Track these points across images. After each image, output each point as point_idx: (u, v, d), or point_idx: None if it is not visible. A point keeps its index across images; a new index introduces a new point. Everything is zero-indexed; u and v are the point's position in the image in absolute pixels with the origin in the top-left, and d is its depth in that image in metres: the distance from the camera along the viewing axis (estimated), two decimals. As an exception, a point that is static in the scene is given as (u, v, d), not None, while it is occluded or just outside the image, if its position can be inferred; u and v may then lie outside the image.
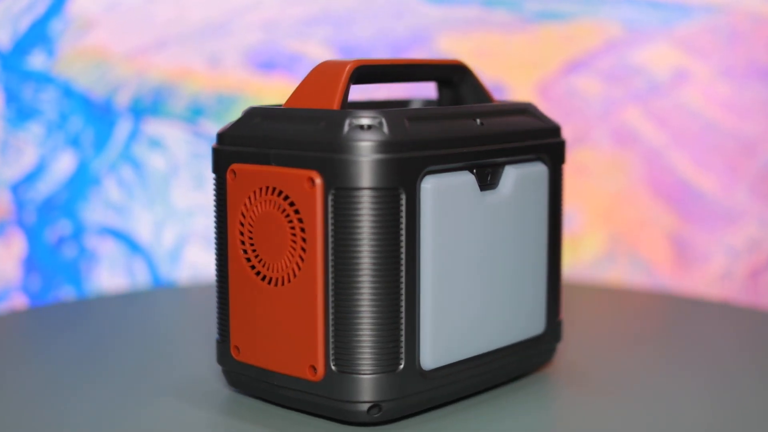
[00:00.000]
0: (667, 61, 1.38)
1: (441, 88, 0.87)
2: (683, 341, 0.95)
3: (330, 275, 0.66)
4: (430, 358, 0.71)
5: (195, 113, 1.36)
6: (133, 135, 1.34)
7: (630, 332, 0.99)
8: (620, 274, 1.40)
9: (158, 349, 0.93)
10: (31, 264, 1.29)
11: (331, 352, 0.67)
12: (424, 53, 1.36)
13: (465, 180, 0.73)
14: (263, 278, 0.74)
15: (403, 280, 0.67)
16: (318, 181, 0.67)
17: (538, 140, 0.81)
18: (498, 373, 0.79)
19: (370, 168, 0.65)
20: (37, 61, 1.29)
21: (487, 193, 0.75)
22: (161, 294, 1.24)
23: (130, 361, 0.90)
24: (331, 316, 0.67)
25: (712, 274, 1.39)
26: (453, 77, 0.84)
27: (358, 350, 0.66)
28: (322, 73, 0.72)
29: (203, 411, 0.76)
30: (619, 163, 1.39)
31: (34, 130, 1.29)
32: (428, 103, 0.91)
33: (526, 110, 0.82)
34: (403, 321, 0.67)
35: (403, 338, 0.67)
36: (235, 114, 1.36)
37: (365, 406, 0.68)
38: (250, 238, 0.74)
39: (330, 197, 0.66)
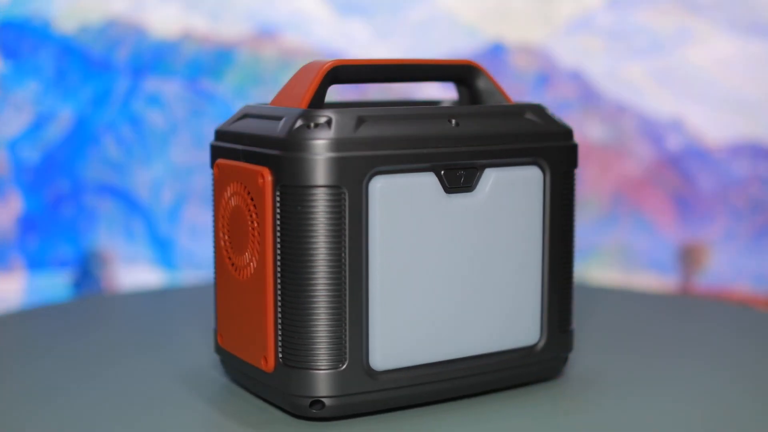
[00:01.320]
0: (670, 19, 1.34)
1: (459, 87, 0.85)
2: (697, 348, 0.92)
3: (278, 271, 0.68)
4: (381, 359, 0.71)
5: (195, 71, 1.34)
6: (132, 92, 1.33)
7: (629, 337, 0.96)
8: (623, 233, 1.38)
9: (162, 341, 0.94)
10: (28, 223, 1.29)
11: (280, 345, 0.69)
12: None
13: (424, 181, 0.71)
14: (235, 269, 0.75)
15: (347, 278, 0.67)
16: (268, 178, 0.69)
17: (532, 143, 0.76)
18: (476, 382, 0.76)
19: (311, 166, 0.66)
20: (35, 17, 1.28)
21: (459, 195, 0.73)
22: (168, 293, 1.23)
23: (134, 351, 0.91)
24: (279, 311, 0.68)
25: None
26: (463, 77, 0.81)
27: (303, 345, 0.67)
28: (304, 72, 0.74)
29: (195, 398, 0.77)
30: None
31: (32, 87, 1.29)
32: (455, 103, 0.88)
33: (529, 111, 0.77)
34: (347, 319, 0.68)
35: (347, 336, 0.68)
36: (234, 77, 1.35)
37: (308, 401, 0.69)
38: (228, 231, 0.77)
39: (277, 194, 0.67)
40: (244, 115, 0.77)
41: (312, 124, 0.67)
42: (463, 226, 0.74)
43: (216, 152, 0.78)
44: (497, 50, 1.38)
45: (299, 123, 0.67)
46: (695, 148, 1.40)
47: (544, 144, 0.78)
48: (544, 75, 1.41)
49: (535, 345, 0.78)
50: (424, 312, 0.72)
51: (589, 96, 1.40)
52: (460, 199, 0.73)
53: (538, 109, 0.79)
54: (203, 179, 1.36)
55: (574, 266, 0.81)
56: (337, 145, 0.67)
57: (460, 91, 0.85)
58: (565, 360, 0.81)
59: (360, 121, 0.68)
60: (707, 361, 0.89)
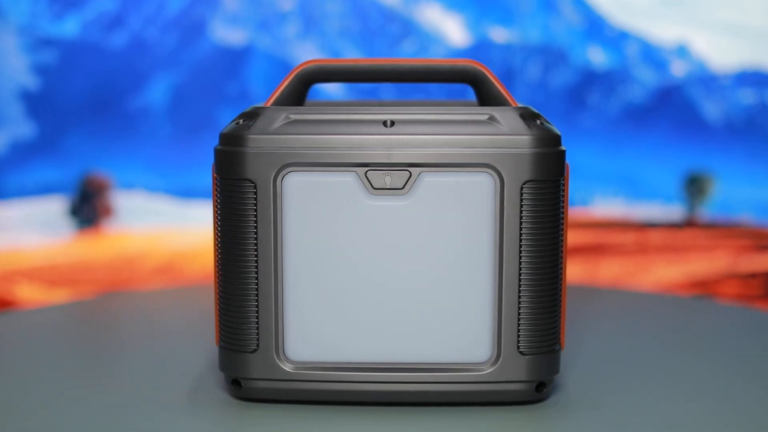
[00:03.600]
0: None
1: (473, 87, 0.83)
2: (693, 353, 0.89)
3: (218, 257, 0.73)
4: (295, 349, 0.72)
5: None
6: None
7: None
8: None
9: (162, 341, 0.93)
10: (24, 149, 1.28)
11: (220, 326, 0.73)
12: None
13: (342, 180, 0.71)
14: None
15: (257, 269, 0.71)
16: (214, 172, 0.72)
17: (481, 149, 0.72)
18: (408, 392, 0.73)
19: (229, 159, 0.70)
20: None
21: (387, 197, 0.71)
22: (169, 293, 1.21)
23: (143, 349, 0.90)
24: (219, 294, 0.73)
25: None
26: (466, 78, 0.78)
27: (226, 327, 0.72)
28: (290, 73, 0.77)
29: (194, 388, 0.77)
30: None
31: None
32: (469, 104, 0.85)
33: (500, 115, 0.72)
34: (257, 307, 0.72)
35: (258, 323, 0.72)
36: None
37: (229, 380, 0.73)
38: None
39: (218, 186, 0.72)
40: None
41: (241, 121, 0.70)
42: (390, 228, 0.71)
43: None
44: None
45: (236, 120, 0.71)
46: (700, 75, 1.38)
47: (498, 151, 0.72)
48: (550, 1, 1.38)
49: (482, 364, 0.74)
50: (346, 309, 0.72)
51: (593, 22, 1.38)
52: (387, 201, 0.72)
53: (510, 114, 0.73)
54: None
55: (560, 285, 0.74)
56: (251, 141, 0.70)
57: (475, 91, 0.82)
58: (537, 386, 0.74)
59: (286, 119, 0.71)
60: (704, 362, 0.87)
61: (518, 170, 0.72)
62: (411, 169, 0.71)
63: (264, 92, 1.43)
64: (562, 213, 0.73)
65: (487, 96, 0.77)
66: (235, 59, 1.43)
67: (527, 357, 0.74)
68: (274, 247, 0.71)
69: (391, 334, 0.72)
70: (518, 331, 0.73)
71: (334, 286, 0.72)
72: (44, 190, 1.39)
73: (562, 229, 0.74)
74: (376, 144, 0.71)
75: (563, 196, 0.73)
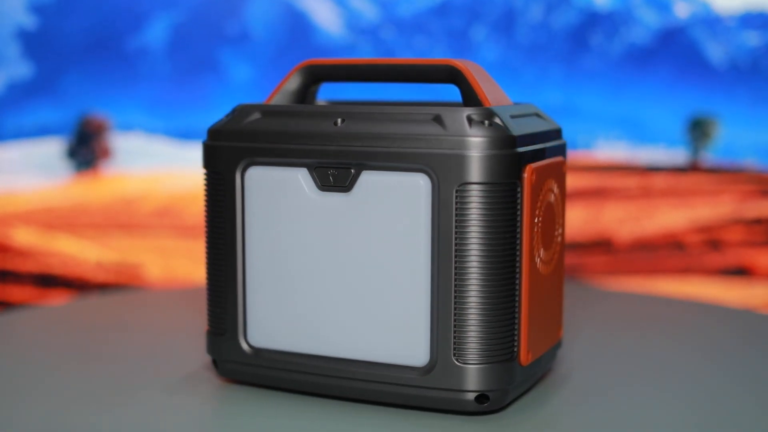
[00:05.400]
0: None
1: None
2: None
3: (206, 246, 0.78)
4: (256, 336, 0.75)
5: None
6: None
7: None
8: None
9: (159, 341, 0.92)
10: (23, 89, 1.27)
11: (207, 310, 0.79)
12: None
13: (293, 176, 0.73)
14: None
15: (225, 258, 0.75)
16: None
17: (419, 149, 0.70)
18: (356, 388, 0.73)
19: (207, 153, 0.75)
20: None
21: (332, 194, 0.72)
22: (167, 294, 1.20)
23: (136, 346, 0.90)
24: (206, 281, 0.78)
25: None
26: (447, 78, 0.76)
27: (208, 311, 0.77)
28: (289, 72, 0.79)
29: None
30: None
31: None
32: (437, 104, 0.84)
33: (442, 117, 0.69)
34: (227, 293, 0.76)
35: (227, 309, 0.75)
36: None
37: (210, 360, 0.79)
38: None
39: (204, 178, 0.76)
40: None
41: (226, 117, 0.75)
42: (335, 225, 0.72)
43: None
44: None
45: (226, 116, 0.75)
46: (704, 16, 1.37)
47: (433, 152, 0.69)
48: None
49: (419, 369, 0.72)
50: (296, 302, 0.74)
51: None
52: (332, 198, 0.72)
53: (465, 113, 0.70)
54: None
55: (515, 293, 0.70)
56: (222, 135, 0.74)
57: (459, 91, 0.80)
58: (478, 398, 0.71)
59: (255, 116, 0.74)
60: (700, 365, 0.85)
61: (453, 172, 0.69)
62: (354, 167, 0.71)
63: (264, 33, 1.42)
64: (519, 217, 0.69)
65: (467, 96, 0.75)
66: None
67: (465, 366, 0.70)
68: (241, 238, 0.75)
69: (334, 329, 0.72)
70: (453, 338, 0.70)
71: (284, 279, 0.74)
72: (41, 131, 1.38)
73: (520, 234, 0.69)
74: (323, 141, 0.72)
75: (521, 200, 0.69)
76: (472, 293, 0.70)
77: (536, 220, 0.71)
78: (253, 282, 0.75)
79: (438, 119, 0.70)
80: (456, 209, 0.69)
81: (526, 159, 0.69)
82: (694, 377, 0.80)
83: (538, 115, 0.75)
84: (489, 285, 0.70)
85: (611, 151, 1.42)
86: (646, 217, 1.45)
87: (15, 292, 1.39)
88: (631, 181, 1.45)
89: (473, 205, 0.69)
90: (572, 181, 1.53)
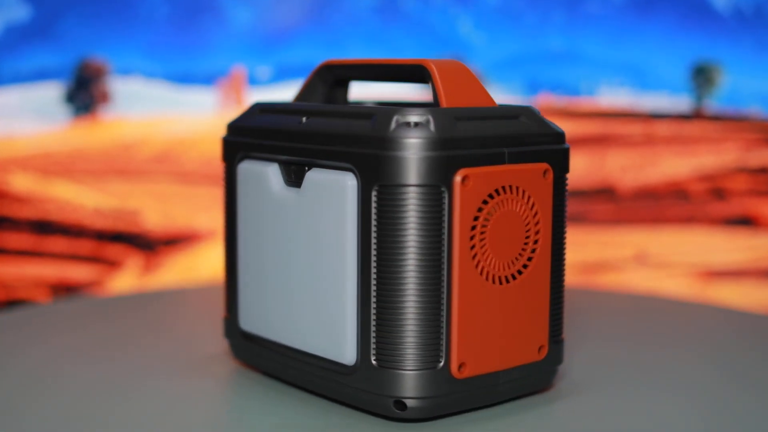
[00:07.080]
0: None
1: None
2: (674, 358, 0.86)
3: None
4: (242, 322, 0.80)
5: None
6: None
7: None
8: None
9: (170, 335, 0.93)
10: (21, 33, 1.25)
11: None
12: None
13: (269, 171, 0.76)
14: None
15: (227, 245, 0.81)
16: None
17: (349, 148, 0.69)
18: (311, 378, 0.74)
19: (222, 146, 0.81)
20: None
21: (293, 190, 0.74)
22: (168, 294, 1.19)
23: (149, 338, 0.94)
24: None
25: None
26: (420, 77, 0.75)
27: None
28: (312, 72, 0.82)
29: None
30: None
31: None
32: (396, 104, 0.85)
33: (377, 116, 0.68)
34: (230, 280, 0.82)
35: (230, 294, 0.82)
36: None
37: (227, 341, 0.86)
38: None
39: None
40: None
41: (242, 113, 0.80)
42: (290, 221, 0.74)
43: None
44: None
45: (243, 112, 0.80)
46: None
47: (357, 151, 0.68)
48: None
49: (349, 368, 0.71)
50: (270, 293, 0.77)
51: None
52: (290, 194, 0.74)
53: (395, 113, 0.68)
54: None
55: (443, 299, 0.68)
56: (230, 130, 0.80)
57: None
58: (395, 403, 0.69)
59: (259, 112, 0.78)
60: (700, 365, 0.84)
61: (374, 172, 0.68)
62: (307, 164, 0.72)
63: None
64: (447, 223, 0.67)
65: (433, 96, 0.73)
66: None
67: (383, 370, 0.69)
68: (234, 227, 0.80)
69: (287, 319, 0.75)
70: (373, 341, 0.69)
71: (256, 269, 0.78)
72: (39, 75, 1.36)
73: (448, 241, 0.67)
74: (290, 138, 0.74)
75: (449, 205, 0.67)
76: (392, 297, 0.68)
77: (479, 228, 0.68)
78: (240, 270, 0.80)
79: (372, 119, 0.69)
80: (375, 211, 0.67)
81: (457, 163, 0.67)
82: (695, 378, 0.79)
83: (526, 117, 0.71)
84: (409, 290, 0.68)
85: (614, 97, 1.41)
86: (649, 164, 1.43)
87: (12, 239, 1.38)
88: (635, 128, 1.43)
89: (393, 207, 0.67)
90: (575, 128, 1.52)
